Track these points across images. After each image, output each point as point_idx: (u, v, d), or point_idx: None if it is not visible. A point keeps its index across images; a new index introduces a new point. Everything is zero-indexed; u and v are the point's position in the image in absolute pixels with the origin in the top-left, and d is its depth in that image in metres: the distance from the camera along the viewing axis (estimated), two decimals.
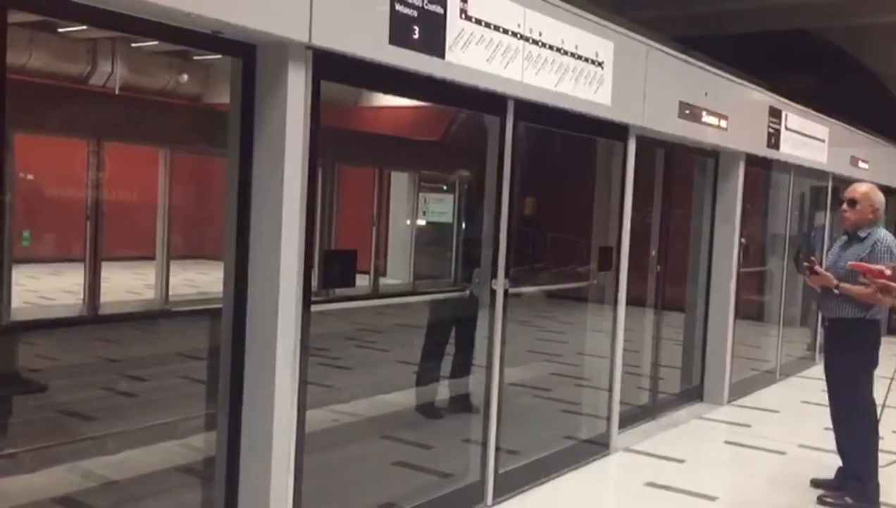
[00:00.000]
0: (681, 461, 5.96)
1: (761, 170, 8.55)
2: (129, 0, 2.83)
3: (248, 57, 3.44)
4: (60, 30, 10.78)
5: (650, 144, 6.53)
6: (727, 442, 6.67)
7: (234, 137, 3.48)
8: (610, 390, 6.06)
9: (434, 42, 3.99)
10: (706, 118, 6.82)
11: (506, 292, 4.86)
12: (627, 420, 6.50)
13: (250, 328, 3.55)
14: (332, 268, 3.78)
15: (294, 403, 3.58)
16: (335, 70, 3.63)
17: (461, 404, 6.09)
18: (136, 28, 3.07)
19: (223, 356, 3.58)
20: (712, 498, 5.20)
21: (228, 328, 3.55)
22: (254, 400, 3.56)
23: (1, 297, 7.02)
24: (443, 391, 6.51)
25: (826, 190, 10.36)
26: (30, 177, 10.35)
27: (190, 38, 3.25)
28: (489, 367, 4.88)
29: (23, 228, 10.38)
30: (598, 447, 5.93)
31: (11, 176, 7.22)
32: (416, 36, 3.88)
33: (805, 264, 5.34)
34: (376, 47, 3.72)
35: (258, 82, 3.47)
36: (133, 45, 11.52)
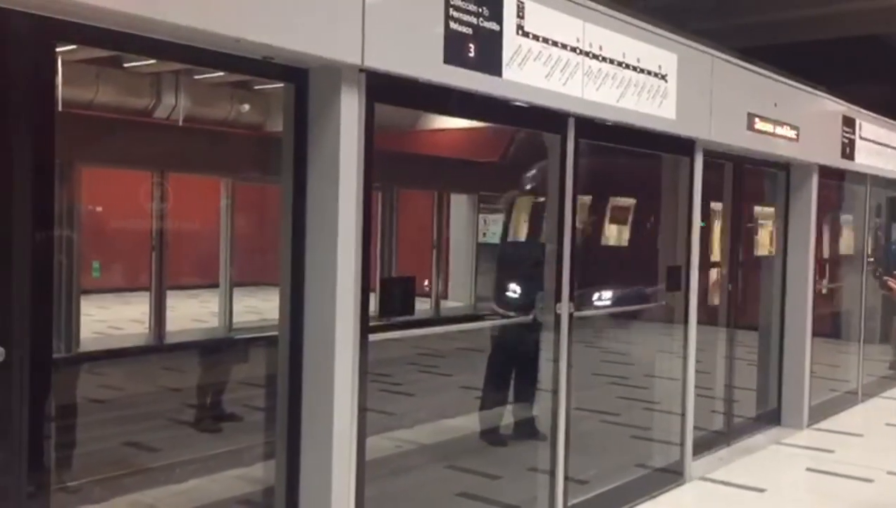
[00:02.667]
0: (761, 490, 5.66)
1: (836, 181, 8.19)
2: (176, 28, 2.79)
3: (300, 81, 3.37)
4: (126, 65, 11.03)
5: (718, 158, 6.30)
6: (809, 469, 6.32)
7: (288, 163, 3.42)
8: (683, 414, 5.81)
9: (490, 60, 3.88)
10: (776, 130, 6.55)
11: (570, 316, 4.69)
12: (701, 447, 6.22)
13: (307, 355, 3.46)
14: (390, 296, 3.67)
15: (353, 431, 3.47)
16: (389, 92, 3.54)
17: (526, 430, 5.92)
18: (185, 56, 3.04)
19: (280, 384, 3.50)
20: None
21: (285, 355, 3.47)
22: (312, 428, 3.46)
23: (70, 327, 7.13)
24: (507, 416, 6.34)
25: None
26: (98, 209, 10.57)
27: (241, 65, 3.20)
28: (556, 392, 4.70)
29: (92, 259, 10.59)
30: (672, 475, 5.68)
31: (79, 208, 7.37)
32: (471, 54, 3.77)
33: (884, 278, 5.06)
34: (431, 67, 3.63)
35: (311, 107, 3.40)
36: (195, 77, 11.74)
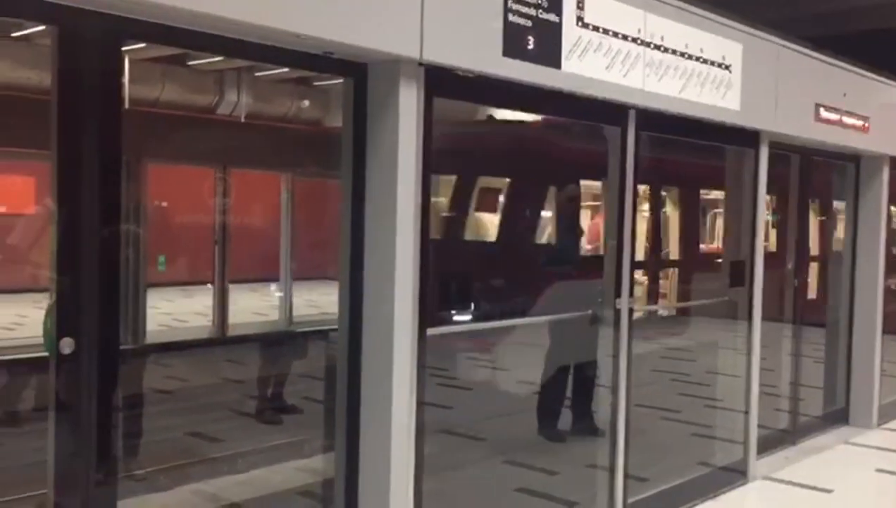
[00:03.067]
0: (828, 490, 5.51)
1: None
2: (239, 25, 2.82)
3: (360, 76, 3.38)
4: (190, 63, 11.22)
5: (784, 150, 6.14)
6: (879, 470, 6.12)
7: (347, 158, 3.43)
8: (746, 412, 5.69)
9: (550, 52, 3.84)
10: (846, 120, 6.35)
11: (630, 311, 4.62)
12: (766, 446, 6.08)
13: (366, 349, 3.48)
14: (448, 291, 3.67)
15: (412, 425, 3.48)
16: (448, 85, 3.53)
17: (585, 427, 5.86)
18: (247, 53, 3.07)
19: (339, 378, 3.52)
20: None
21: (344, 350, 3.49)
22: (371, 421, 3.48)
23: (137, 319, 7.31)
24: (566, 413, 6.28)
25: None
26: (163, 204, 10.78)
27: (302, 60, 3.22)
28: (615, 389, 4.65)
29: (158, 253, 10.81)
30: (735, 474, 5.56)
31: (145, 204, 7.54)
32: (530, 47, 3.73)
33: None
34: (490, 60, 3.60)
35: (370, 101, 3.41)
36: (257, 74, 11.88)
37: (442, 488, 4.47)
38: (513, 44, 3.64)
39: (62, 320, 2.65)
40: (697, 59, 4.78)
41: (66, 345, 2.63)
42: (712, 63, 4.90)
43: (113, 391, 2.80)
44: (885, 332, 7.30)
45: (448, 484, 4.92)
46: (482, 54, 3.57)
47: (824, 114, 6.09)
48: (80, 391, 2.69)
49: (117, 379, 2.84)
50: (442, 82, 3.47)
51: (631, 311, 4.63)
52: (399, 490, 3.45)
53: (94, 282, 2.69)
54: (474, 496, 5.07)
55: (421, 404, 3.52)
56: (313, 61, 3.25)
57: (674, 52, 4.60)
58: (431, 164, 3.48)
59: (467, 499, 4.98)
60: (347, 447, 3.50)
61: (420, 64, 3.36)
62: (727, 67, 5.03)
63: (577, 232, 6.69)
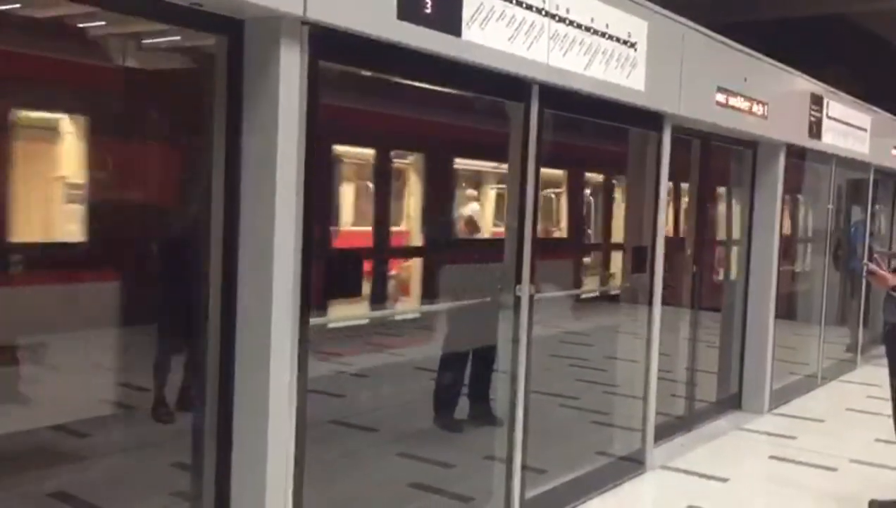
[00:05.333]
0: (724, 479, 5.46)
1: (801, 161, 8.01)
2: None
3: (235, 34, 2.99)
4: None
5: (686, 135, 6.04)
6: (772, 457, 6.13)
7: (220, 127, 3.04)
8: (645, 399, 5.58)
9: (449, 17, 3.53)
10: (745, 106, 6.30)
11: (531, 298, 4.40)
12: (662, 433, 6.00)
13: (240, 340, 3.11)
14: (334, 275, 3.34)
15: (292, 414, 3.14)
16: (335, 49, 3.18)
17: (483, 415, 5.65)
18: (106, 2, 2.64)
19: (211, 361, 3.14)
20: None
21: (216, 337, 3.12)
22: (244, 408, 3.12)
23: None
24: (463, 401, 6.05)
25: (867, 182, 9.78)
26: None
27: (166, 13, 2.81)
28: (514, 377, 4.42)
29: None
30: (633, 464, 5.45)
31: None
32: (428, 11, 3.42)
33: (864, 262, 4.88)
34: (383, 23, 3.27)
35: (246, 64, 3.03)
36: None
37: (330, 485, 4.16)
38: (409, 5, 3.32)
39: None
40: (603, 34, 4.57)
41: None
42: (618, 40, 4.70)
43: None
44: (778, 317, 7.38)
45: (339, 481, 4.61)
46: (374, 15, 3.23)
47: (726, 99, 6.01)
48: None
49: None
50: (330, 45, 3.12)
51: (531, 297, 4.41)
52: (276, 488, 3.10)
53: None
54: (368, 492, 4.77)
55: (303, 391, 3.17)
56: (180, 15, 2.84)
57: (579, 25, 4.36)
58: (315, 139, 3.13)
59: (361, 497, 4.67)
60: (218, 435, 3.12)
61: (304, 22, 3.00)
62: (633, 46, 4.85)
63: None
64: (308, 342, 3.18)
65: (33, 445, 4.64)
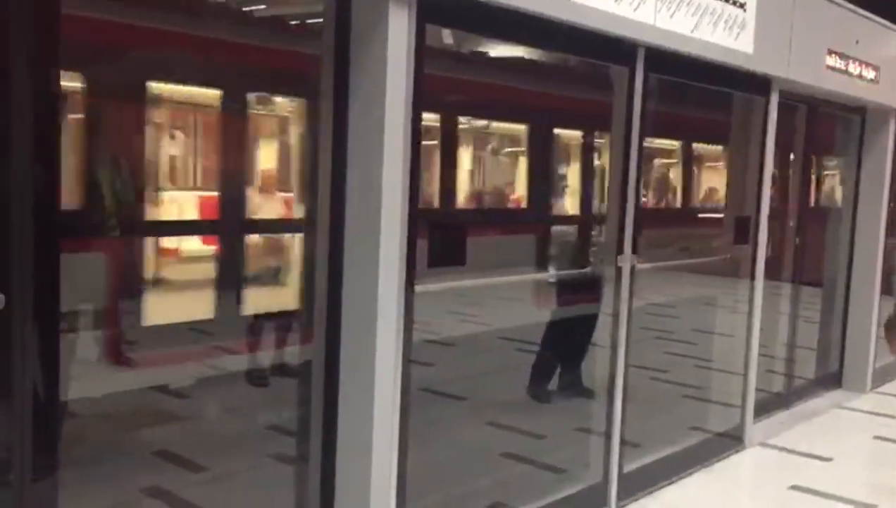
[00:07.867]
0: (827, 459, 5.26)
1: None
2: None
3: None
4: None
5: (792, 100, 5.77)
6: (877, 437, 5.89)
7: (327, 91, 3.01)
8: (745, 375, 5.41)
9: None
10: (855, 70, 5.98)
11: (632, 269, 4.28)
12: (760, 410, 5.81)
13: (346, 307, 3.10)
14: (438, 245, 3.30)
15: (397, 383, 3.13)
16: (443, 12, 3.11)
17: (573, 386, 5.58)
18: None
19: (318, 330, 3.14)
20: (871, 507, 4.52)
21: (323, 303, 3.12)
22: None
23: None
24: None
25: None
26: None
27: None
28: (614, 348, 4.32)
29: None
30: (732, 440, 5.30)
31: None
32: None
33: None
34: None
35: (353, 26, 2.99)
36: None
37: (421, 452, 4.16)
38: None
39: None
40: None
41: None
42: (727, 0, 4.49)
43: None
44: (883, 293, 7.05)
45: (431, 450, 4.61)
46: None
47: (836, 61, 5.71)
48: None
49: None
50: (437, 8, 3.05)
51: (633, 268, 4.29)
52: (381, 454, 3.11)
53: None
54: (458, 462, 4.76)
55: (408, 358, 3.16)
56: None
57: None
58: (422, 102, 3.08)
59: (450, 465, 4.67)
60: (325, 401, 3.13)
61: None
62: (742, 6, 4.63)
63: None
64: (412, 309, 3.16)
65: None
